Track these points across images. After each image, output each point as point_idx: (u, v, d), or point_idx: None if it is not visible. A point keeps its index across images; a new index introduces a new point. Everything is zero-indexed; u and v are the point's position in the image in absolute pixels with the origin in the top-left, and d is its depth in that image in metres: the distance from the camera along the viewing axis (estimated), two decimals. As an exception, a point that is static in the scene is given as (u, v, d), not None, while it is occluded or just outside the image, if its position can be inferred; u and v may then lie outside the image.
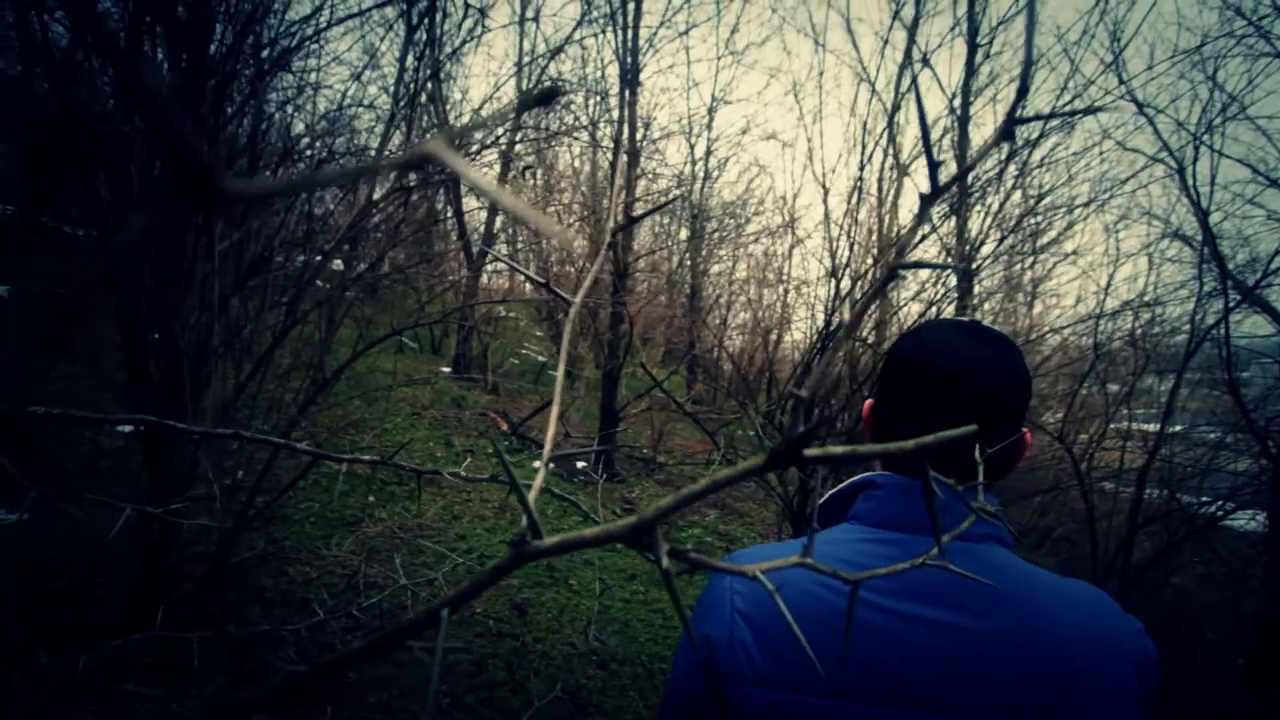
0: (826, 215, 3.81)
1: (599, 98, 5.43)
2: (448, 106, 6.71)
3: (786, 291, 6.64)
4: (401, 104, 3.15)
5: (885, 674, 0.56)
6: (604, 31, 5.14)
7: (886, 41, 3.97)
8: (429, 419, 5.25)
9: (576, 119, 5.68)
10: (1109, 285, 4.36)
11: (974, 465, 0.64)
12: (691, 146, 8.66)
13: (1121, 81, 3.45)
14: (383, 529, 3.26)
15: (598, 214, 5.89)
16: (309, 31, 2.41)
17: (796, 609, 0.59)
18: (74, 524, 2.48)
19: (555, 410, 0.38)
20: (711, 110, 7.46)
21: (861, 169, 3.74)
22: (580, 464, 5.36)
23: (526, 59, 6.88)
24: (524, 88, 6.03)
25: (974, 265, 3.73)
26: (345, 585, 2.76)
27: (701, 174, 8.61)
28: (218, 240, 2.05)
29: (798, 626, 0.61)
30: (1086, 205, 4.30)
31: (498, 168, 5.99)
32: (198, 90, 2.00)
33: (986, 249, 3.75)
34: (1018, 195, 3.94)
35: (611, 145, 5.18)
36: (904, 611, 0.58)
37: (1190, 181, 3.23)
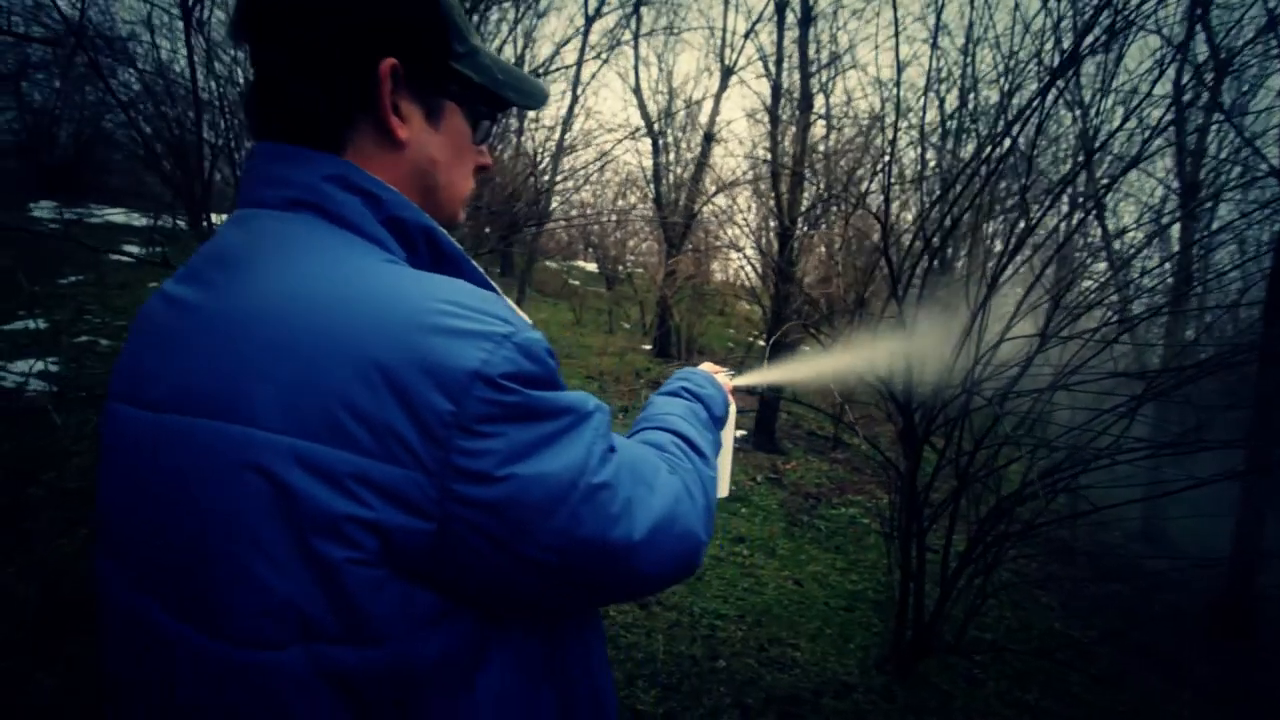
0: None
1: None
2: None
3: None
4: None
5: (143, 370, 0.48)
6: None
7: None
8: (599, 384, 5.59)
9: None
10: None
11: (316, 116, 0.50)
12: (941, 100, 7.40)
13: None
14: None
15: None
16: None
17: (144, 316, 0.52)
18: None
19: None
20: (968, 53, 6.29)
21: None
22: (739, 432, 5.12)
23: None
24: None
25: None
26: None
27: (954, 128, 7.30)
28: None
29: (138, 333, 0.55)
30: None
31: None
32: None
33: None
34: None
35: (770, 90, 4.83)
36: (173, 294, 0.50)
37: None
